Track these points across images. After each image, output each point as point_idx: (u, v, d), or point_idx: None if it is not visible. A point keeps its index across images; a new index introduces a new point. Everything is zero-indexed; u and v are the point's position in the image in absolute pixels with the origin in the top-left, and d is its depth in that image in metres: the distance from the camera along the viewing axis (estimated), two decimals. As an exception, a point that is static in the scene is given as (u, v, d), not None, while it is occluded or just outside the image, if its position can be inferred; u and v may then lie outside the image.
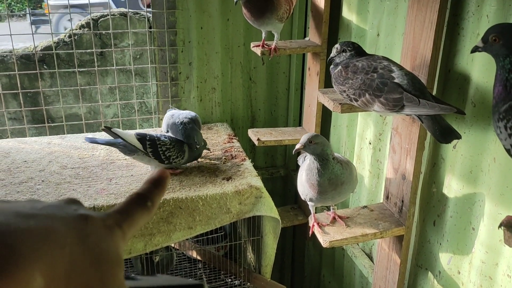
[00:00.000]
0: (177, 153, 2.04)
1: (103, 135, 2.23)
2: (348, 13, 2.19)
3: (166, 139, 2.04)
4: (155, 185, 0.42)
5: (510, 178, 1.34)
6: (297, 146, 1.50)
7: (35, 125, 2.90)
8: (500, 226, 1.09)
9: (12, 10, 8.75)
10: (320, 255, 2.78)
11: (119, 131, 2.00)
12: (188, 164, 2.17)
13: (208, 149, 2.25)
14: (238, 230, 2.58)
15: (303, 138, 1.49)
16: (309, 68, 2.43)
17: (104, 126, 1.99)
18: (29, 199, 0.34)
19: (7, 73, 2.69)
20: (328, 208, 1.84)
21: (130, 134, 2.00)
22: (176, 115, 2.21)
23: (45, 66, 3.19)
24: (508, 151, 1.05)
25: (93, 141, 2.04)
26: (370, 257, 2.19)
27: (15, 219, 0.30)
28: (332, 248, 2.54)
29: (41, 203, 0.34)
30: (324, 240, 1.68)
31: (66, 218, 0.33)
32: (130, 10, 3.35)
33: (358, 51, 1.57)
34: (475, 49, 1.11)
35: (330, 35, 2.25)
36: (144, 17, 3.52)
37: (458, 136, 1.35)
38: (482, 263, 1.49)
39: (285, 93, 2.85)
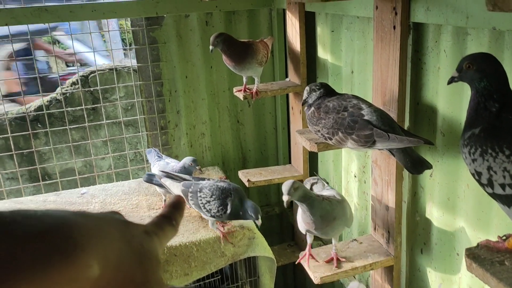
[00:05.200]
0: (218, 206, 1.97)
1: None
2: (323, 53, 2.29)
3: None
4: (175, 207, 0.50)
5: (484, 203, 1.38)
6: (285, 199, 1.50)
7: (32, 184, 2.96)
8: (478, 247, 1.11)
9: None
10: (321, 290, 2.77)
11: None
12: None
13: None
14: (238, 271, 2.59)
15: (286, 189, 1.51)
16: (292, 108, 2.50)
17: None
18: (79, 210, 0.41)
19: (1, 136, 2.77)
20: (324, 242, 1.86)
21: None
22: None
23: (39, 125, 3.29)
24: (473, 175, 1.10)
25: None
26: (367, 289, 2.20)
27: (73, 216, 0.36)
28: (331, 282, 2.55)
29: (89, 212, 0.41)
30: (315, 276, 1.70)
31: (113, 222, 0.40)
32: (118, 65, 3.48)
33: (326, 89, 1.64)
34: (451, 80, 1.13)
35: (308, 74, 2.34)
36: (133, 70, 3.64)
37: (429, 166, 1.40)
38: (469, 288, 1.51)
39: (273, 133, 2.92)
